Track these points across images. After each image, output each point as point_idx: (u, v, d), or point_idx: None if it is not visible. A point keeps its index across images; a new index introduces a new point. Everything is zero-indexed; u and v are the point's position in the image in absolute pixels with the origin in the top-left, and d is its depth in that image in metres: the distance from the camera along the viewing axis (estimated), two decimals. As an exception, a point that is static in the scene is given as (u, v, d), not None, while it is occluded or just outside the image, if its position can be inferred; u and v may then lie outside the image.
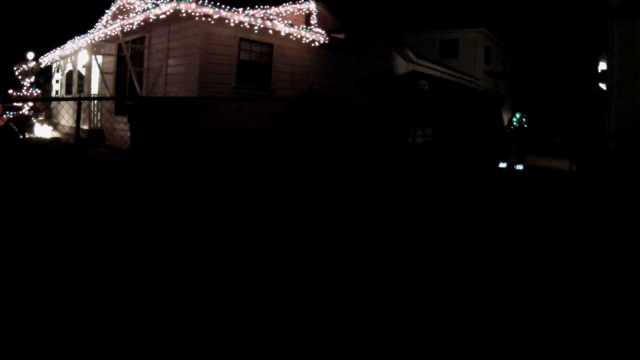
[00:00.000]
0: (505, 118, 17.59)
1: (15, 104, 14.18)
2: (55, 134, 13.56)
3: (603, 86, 9.33)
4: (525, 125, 10.78)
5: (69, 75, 14.99)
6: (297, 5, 12.90)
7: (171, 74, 9.77)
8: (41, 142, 11.32)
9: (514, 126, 10.53)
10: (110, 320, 2.44)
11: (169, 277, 3.09)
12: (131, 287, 2.90)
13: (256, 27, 9.44)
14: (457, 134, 12.10)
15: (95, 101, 12.29)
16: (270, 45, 10.15)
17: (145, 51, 10.60)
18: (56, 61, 16.13)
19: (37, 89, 15.49)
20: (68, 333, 2.28)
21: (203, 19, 8.64)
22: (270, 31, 9.80)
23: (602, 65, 12.44)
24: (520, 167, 10.67)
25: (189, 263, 3.41)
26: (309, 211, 5.23)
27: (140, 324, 2.42)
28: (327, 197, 5.86)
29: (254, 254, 3.69)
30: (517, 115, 10.71)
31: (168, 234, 4.08)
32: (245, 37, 9.60)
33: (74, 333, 2.29)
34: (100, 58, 12.08)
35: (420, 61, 14.40)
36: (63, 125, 13.11)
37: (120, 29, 10.18)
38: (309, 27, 11.23)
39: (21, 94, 14.96)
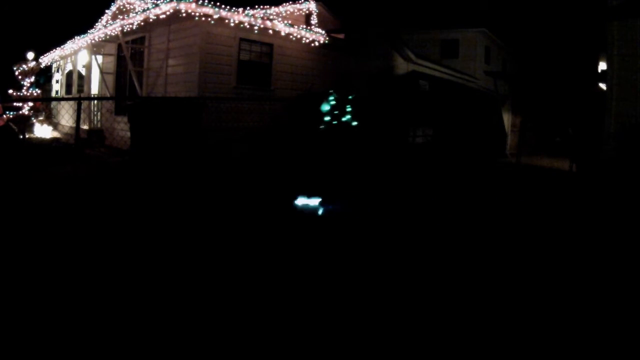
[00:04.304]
0: (505, 118, 17.63)
1: (15, 104, 14.19)
2: (55, 134, 13.56)
3: (603, 86, 9.32)
4: (352, 121, 4.98)
5: (69, 75, 14.99)
6: (297, 5, 12.90)
7: (171, 74, 9.77)
8: (41, 142, 11.31)
9: (326, 122, 5.12)
10: (109, 319, 2.43)
11: (166, 278, 3.09)
12: (129, 286, 2.90)
13: (256, 27, 9.44)
14: (457, 134, 12.10)
15: (95, 101, 12.29)
16: (270, 45, 10.14)
17: (145, 51, 10.60)
18: (56, 61, 16.13)
19: (37, 89, 15.48)
20: (67, 333, 2.28)
21: (203, 19, 8.64)
22: (270, 31, 9.80)
23: (602, 65, 12.44)
24: (314, 203, 5.18)
25: (187, 264, 3.41)
26: (307, 208, 5.22)
27: (139, 322, 2.42)
28: (326, 195, 5.85)
29: (253, 251, 3.68)
30: (331, 99, 4.98)
31: (167, 235, 4.08)
32: (245, 37, 9.60)
33: (74, 333, 2.28)
34: (100, 58, 12.08)
35: (420, 61, 14.40)
36: (63, 125, 13.11)
37: (120, 29, 10.18)
38: (309, 27, 11.23)
39: (21, 94, 14.96)
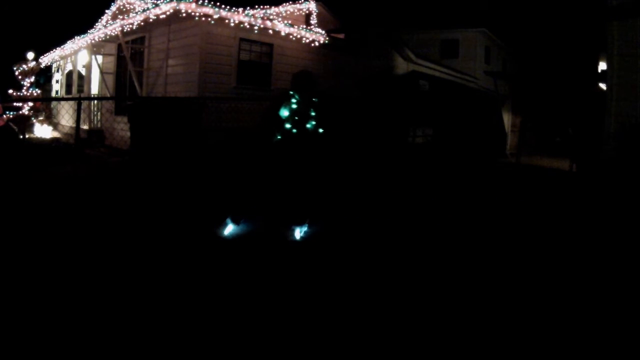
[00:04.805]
0: (506, 118, 17.62)
1: (15, 104, 14.19)
2: (56, 134, 13.57)
3: (603, 86, 9.32)
4: (318, 128, 4.28)
5: (69, 75, 14.99)
6: (297, 5, 12.90)
7: (171, 74, 9.77)
8: (41, 142, 11.32)
9: (286, 130, 4.23)
10: (106, 320, 2.44)
11: (163, 281, 3.09)
12: (126, 288, 2.90)
13: (256, 27, 9.44)
14: (457, 134, 12.11)
15: (95, 101, 12.29)
16: (270, 45, 10.14)
17: (145, 51, 10.60)
18: (56, 61, 16.13)
19: (37, 89, 15.48)
20: (66, 334, 2.28)
21: (203, 18, 8.64)
22: (270, 31, 9.80)
23: (602, 65, 12.43)
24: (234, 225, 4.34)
25: (185, 265, 3.41)
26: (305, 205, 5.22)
27: (138, 323, 2.43)
28: (326, 193, 5.85)
29: (252, 251, 3.69)
30: (293, 102, 4.22)
31: (166, 236, 4.08)
32: (245, 37, 9.60)
33: (72, 334, 2.29)
34: (100, 58, 12.08)
35: (420, 61, 14.40)
36: (63, 125, 13.11)
37: (120, 29, 10.18)
38: (309, 27, 11.23)
39: (21, 94, 14.95)
